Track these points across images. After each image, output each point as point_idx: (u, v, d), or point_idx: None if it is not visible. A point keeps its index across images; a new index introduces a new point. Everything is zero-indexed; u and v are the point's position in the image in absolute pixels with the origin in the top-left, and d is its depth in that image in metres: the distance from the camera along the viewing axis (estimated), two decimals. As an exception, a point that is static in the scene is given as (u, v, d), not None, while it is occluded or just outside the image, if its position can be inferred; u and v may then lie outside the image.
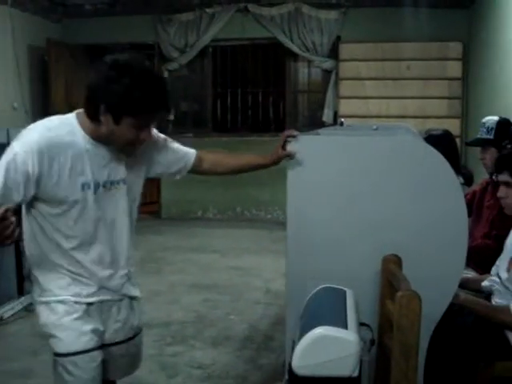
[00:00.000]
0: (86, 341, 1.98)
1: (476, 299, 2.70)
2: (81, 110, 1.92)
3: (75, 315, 1.99)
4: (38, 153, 1.81)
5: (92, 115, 1.87)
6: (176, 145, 2.23)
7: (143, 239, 6.68)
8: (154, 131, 2.11)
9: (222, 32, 8.09)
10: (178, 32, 8.20)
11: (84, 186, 1.91)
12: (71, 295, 1.99)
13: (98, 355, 2.01)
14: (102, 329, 2.05)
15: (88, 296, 2.01)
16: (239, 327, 4.23)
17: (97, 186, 1.94)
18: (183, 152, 2.24)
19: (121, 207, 2.02)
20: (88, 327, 1.99)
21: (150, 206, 8.35)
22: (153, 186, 7.96)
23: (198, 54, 8.32)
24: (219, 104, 8.69)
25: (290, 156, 2.36)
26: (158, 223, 8.00)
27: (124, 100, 1.80)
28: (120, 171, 1.98)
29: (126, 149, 1.95)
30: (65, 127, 1.89)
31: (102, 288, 2.04)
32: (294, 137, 2.37)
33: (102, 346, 2.05)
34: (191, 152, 2.26)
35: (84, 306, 2.01)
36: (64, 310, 1.99)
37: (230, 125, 8.69)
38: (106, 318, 2.08)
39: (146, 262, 5.91)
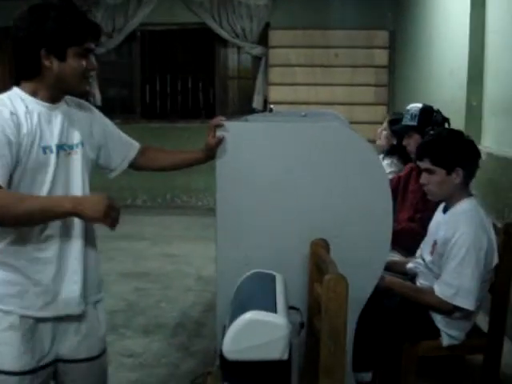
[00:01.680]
0: (26, 361, 1.81)
1: (401, 281, 2.79)
2: (15, 87, 1.85)
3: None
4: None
5: (32, 71, 1.81)
6: (122, 133, 2.19)
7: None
8: (102, 116, 2.08)
9: (151, 16, 7.94)
10: (105, 16, 8.00)
11: (46, 150, 1.82)
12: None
13: (33, 378, 1.85)
14: (48, 347, 1.88)
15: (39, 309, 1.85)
16: (170, 315, 4.21)
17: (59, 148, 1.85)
18: (128, 141, 2.19)
19: (78, 174, 1.93)
20: (30, 345, 1.82)
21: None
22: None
23: (125, 39, 8.15)
24: (148, 90, 8.56)
25: (220, 142, 2.35)
26: (86, 211, 7.81)
27: (61, 32, 1.76)
28: (77, 134, 1.91)
29: (80, 87, 1.89)
30: (15, 99, 1.81)
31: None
32: (221, 125, 2.36)
33: (46, 367, 1.89)
34: (135, 144, 2.21)
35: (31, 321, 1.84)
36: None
37: (159, 111, 8.57)
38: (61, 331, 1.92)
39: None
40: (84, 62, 1.85)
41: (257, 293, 2.06)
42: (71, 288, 1.89)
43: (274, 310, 1.89)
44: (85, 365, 1.99)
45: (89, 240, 1.97)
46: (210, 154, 2.35)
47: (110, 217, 1.72)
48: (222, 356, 1.89)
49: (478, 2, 4.49)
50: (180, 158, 2.37)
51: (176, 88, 8.57)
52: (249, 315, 1.85)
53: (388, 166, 3.95)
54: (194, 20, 7.93)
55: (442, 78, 5.36)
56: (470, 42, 4.55)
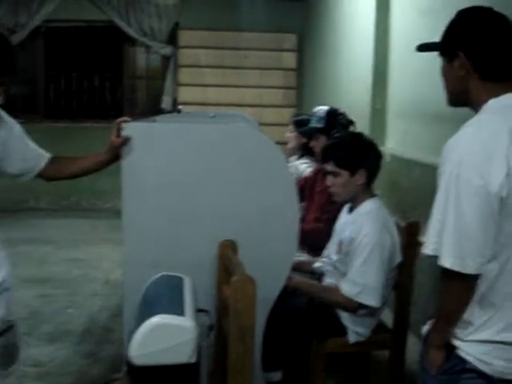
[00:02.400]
0: None
1: (308, 281, 2.83)
2: None
3: None
4: None
5: None
6: (31, 142, 2.13)
7: (-31, 232, 6.22)
8: (10, 119, 2.00)
9: (57, 13, 7.68)
10: (7, 11, 7.68)
11: None
12: None
13: None
14: None
15: None
16: (77, 321, 4.09)
17: None
18: (36, 152, 2.14)
19: None
20: None
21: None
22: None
23: (29, 35, 7.85)
24: (52, 88, 8.29)
25: (126, 141, 2.30)
26: (-16, 215, 7.49)
27: None
28: None
29: None
30: None
31: None
32: (125, 121, 2.31)
33: None
34: (45, 155, 2.17)
35: None
36: None
37: (64, 110, 8.32)
38: None
39: (-27, 256, 5.51)
40: None
41: (164, 296, 2.04)
42: None
43: (181, 313, 1.88)
44: None
45: None
46: (115, 154, 2.31)
47: None
48: (129, 362, 1.86)
49: (383, 6, 4.64)
50: (87, 162, 2.34)
51: (82, 87, 8.35)
52: (155, 319, 1.82)
53: (308, 165, 4.00)
54: (101, 18, 7.75)
55: (348, 80, 5.50)
56: (374, 47, 4.69)
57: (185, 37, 7.65)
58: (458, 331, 1.66)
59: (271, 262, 2.38)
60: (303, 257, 3.17)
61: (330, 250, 2.84)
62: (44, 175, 2.18)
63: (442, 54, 1.74)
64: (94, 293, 4.65)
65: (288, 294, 2.63)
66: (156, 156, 2.36)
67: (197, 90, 7.65)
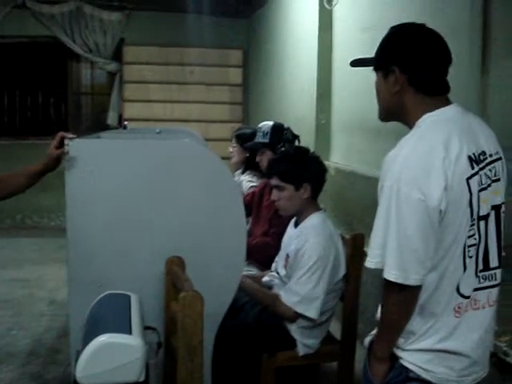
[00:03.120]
0: None
1: (255, 285, 2.81)
2: None
3: None
4: None
5: None
6: None
7: None
8: None
9: (-1, 28, 7.55)
10: None
11: None
12: None
13: None
14: None
15: None
16: (22, 342, 3.98)
17: None
18: None
19: None
20: None
21: None
22: None
23: (-30, 51, 7.68)
24: (-5, 105, 8.11)
25: (64, 155, 2.26)
26: None
27: None
28: None
29: None
30: None
31: None
32: (70, 138, 2.28)
33: None
34: None
35: None
36: None
37: (7, 127, 8.14)
38: None
39: None
40: None
41: (110, 315, 2.01)
42: None
43: (128, 331, 1.85)
44: None
45: None
46: (50, 164, 2.28)
47: None
48: (75, 382, 1.82)
49: (325, 22, 4.74)
50: (22, 178, 2.30)
51: (26, 103, 8.19)
52: (102, 338, 1.79)
53: (249, 180, 4.01)
54: (45, 33, 7.63)
55: (293, 96, 5.57)
56: (318, 62, 4.78)
57: (130, 53, 7.61)
58: (401, 341, 1.68)
59: (219, 278, 2.38)
60: (253, 271, 3.18)
61: (278, 265, 2.87)
62: None
63: (376, 69, 1.77)
64: (40, 313, 4.54)
65: (237, 308, 2.63)
66: (101, 173, 2.33)
67: (143, 105, 7.60)
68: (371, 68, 1.80)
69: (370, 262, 1.64)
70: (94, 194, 2.34)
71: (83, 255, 2.34)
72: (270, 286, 2.90)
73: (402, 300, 1.64)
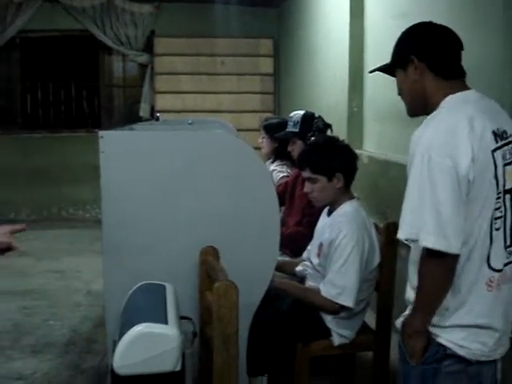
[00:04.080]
0: None
1: (291, 282, 2.84)
2: None
3: None
4: None
5: None
6: None
7: None
8: None
9: (31, 23, 7.64)
10: (-19, 23, 7.62)
11: None
12: None
13: None
14: None
15: None
16: (60, 332, 4.06)
17: None
18: None
19: None
20: None
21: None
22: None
23: (4, 46, 7.79)
24: (29, 99, 8.23)
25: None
26: (-36, 229, 7.39)
27: None
28: None
29: None
30: None
31: None
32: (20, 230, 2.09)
33: None
34: None
35: None
36: None
37: (42, 120, 8.27)
38: None
39: (-47, 271, 5.45)
40: None
41: (146, 305, 2.03)
42: None
43: (164, 321, 1.87)
44: None
45: None
46: None
47: None
48: (113, 372, 1.84)
49: (358, 11, 4.68)
50: None
51: (59, 97, 8.30)
52: (138, 328, 1.81)
53: (279, 170, 4.01)
54: (76, 27, 7.71)
55: (325, 84, 5.53)
56: (350, 50, 4.73)
57: (161, 44, 7.64)
58: (436, 319, 1.71)
59: (253, 267, 2.38)
60: (286, 259, 3.18)
61: (311, 254, 2.85)
62: None
63: (396, 67, 1.88)
64: (76, 304, 4.62)
65: (271, 298, 2.63)
66: (135, 165, 2.35)
67: (174, 97, 7.64)
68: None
69: (402, 232, 1.65)
70: (129, 186, 2.36)
71: (118, 246, 2.36)
72: (303, 276, 2.90)
73: (440, 271, 1.65)
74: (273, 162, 4.12)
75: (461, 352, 1.70)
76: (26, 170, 7.51)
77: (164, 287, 2.15)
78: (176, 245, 2.38)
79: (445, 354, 1.70)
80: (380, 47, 4.25)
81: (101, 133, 2.30)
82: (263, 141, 4.22)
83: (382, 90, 4.30)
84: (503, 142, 1.68)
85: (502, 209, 1.67)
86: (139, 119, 7.39)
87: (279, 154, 4.04)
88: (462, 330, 1.70)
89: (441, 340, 1.71)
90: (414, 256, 1.76)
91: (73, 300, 4.70)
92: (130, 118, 7.69)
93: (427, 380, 1.74)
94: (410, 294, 1.78)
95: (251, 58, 7.70)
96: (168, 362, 1.83)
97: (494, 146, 1.65)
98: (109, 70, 8.22)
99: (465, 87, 1.78)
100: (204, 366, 2.34)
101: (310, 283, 2.82)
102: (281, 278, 2.85)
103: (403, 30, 1.93)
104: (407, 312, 1.80)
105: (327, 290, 2.62)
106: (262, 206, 2.40)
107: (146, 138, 2.44)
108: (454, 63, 1.80)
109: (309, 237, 2.99)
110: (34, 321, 4.26)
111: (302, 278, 2.91)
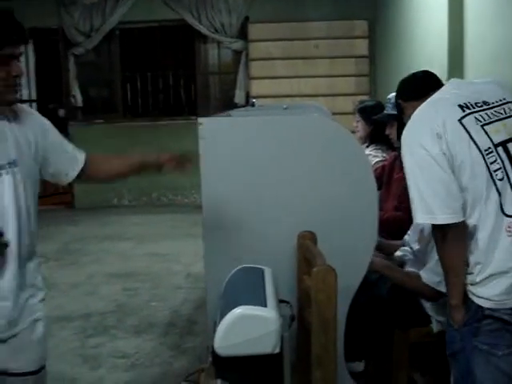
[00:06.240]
0: None
1: (390, 265, 2.79)
2: None
3: None
4: None
5: None
6: (67, 143, 2.02)
7: (57, 231, 6.49)
8: (46, 125, 1.95)
9: (129, 14, 7.91)
10: (82, 15, 7.95)
11: None
12: None
13: None
14: None
15: None
16: (161, 314, 4.21)
17: None
18: (73, 153, 2.01)
19: (9, 196, 1.79)
20: None
21: (63, 196, 8.12)
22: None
23: (104, 38, 8.11)
24: (129, 88, 8.52)
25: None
26: (72, 213, 7.79)
27: None
28: (8, 152, 1.78)
29: (6, 97, 1.76)
30: None
31: None
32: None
33: None
34: (81, 156, 2.02)
35: None
36: None
37: (141, 109, 8.54)
38: None
39: (62, 254, 5.75)
40: (8, 69, 1.73)
41: (246, 287, 2.06)
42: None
43: (263, 304, 1.89)
44: (17, 379, 1.91)
45: (24, 260, 1.87)
46: (153, 168, 2.19)
47: None
48: (213, 352, 1.89)
49: (455, -13, 4.51)
50: (123, 168, 2.15)
51: (157, 85, 8.53)
52: (239, 310, 1.84)
53: (374, 155, 3.94)
54: (172, 17, 7.90)
55: (422, 66, 5.35)
56: (449, 30, 4.57)
57: (255, 30, 7.69)
58: (469, 278, 1.86)
59: (351, 252, 2.36)
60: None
61: (411, 239, 2.79)
62: (81, 177, 2.03)
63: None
64: (177, 286, 4.77)
65: (370, 282, 2.60)
66: (234, 150, 2.38)
67: (269, 82, 7.67)
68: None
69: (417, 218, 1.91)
70: (228, 171, 2.39)
71: (218, 231, 2.41)
72: (402, 262, 2.84)
73: (447, 239, 1.85)
74: (368, 147, 4.06)
75: (496, 306, 1.80)
76: (128, 158, 7.80)
77: (263, 271, 2.17)
78: (274, 229, 2.40)
79: (483, 314, 1.82)
80: (481, 27, 4.07)
81: (200, 120, 2.35)
82: (358, 124, 4.15)
83: (484, 70, 4.13)
84: (473, 110, 1.89)
85: (499, 160, 1.83)
86: (234, 105, 7.48)
87: (374, 137, 3.97)
88: (495, 282, 1.81)
89: (478, 301, 1.83)
90: None
91: (173, 282, 4.86)
92: (225, 104, 7.79)
93: (470, 339, 1.86)
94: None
95: (346, 40, 7.60)
96: (267, 344, 1.85)
97: (460, 115, 1.86)
98: (204, 57, 8.37)
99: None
100: (302, 349, 2.35)
101: (409, 269, 2.77)
102: (381, 258, 2.80)
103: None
104: None
105: (428, 278, 2.55)
106: (360, 190, 2.38)
107: (245, 123, 2.47)
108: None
109: (408, 222, 2.93)
110: (137, 302, 4.44)
111: (401, 264, 2.86)
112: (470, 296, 1.87)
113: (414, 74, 2.47)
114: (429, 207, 1.85)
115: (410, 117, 2.14)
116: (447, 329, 1.97)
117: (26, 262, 1.88)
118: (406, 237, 2.90)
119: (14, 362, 1.87)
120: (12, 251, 1.80)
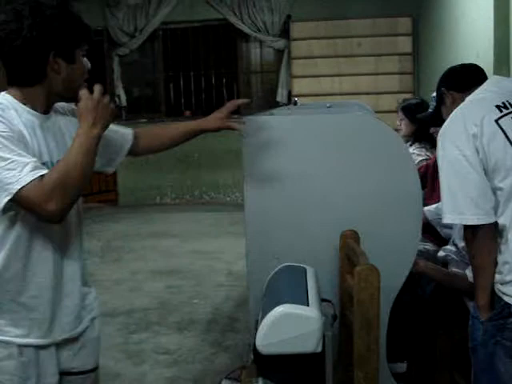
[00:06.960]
0: None
1: (434, 266, 2.75)
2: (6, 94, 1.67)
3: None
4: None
5: (35, 77, 1.64)
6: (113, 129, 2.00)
7: (102, 228, 6.61)
8: None
9: (172, 15, 7.99)
10: (126, 16, 8.07)
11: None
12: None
13: None
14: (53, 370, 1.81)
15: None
16: (203, 311, 4.24)
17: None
18: (120, 132, 2.01)
19: None
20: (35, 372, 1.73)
21: (107, 194, 8.25)
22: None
23: (148, 38, 8.21)
24: (172, 88, 8.61)
25: (237, 130, 2.19)
26: (115, 211, 7.92)
27: (70, 32, 1.66)
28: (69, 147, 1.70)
29: (80, 90, 1.70)
30: (8, 108, 1.62)
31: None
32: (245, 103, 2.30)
33: None
34: (128, 132, 2.03)
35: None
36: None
37: (184, 108, 8.62)
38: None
39: (106, 251, 5.85)
40: (83, 66, 1.73)
41: (288, 286, 2.06)
42: (67, 311, 1.79)
43: (306, 302, 1.89)
44: (78, 378, 1.90)
45: (80, 259, 1.86)
46: (208, 127, 2.14)
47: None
48: (255, 350, 1.89)
49: (503, -17, 4.42)
50: (176, 131, 2.15)
51: (200, 85, 8.59)
52: (281, 309, 1.84)
53: (418, 153, 3.89)
54: (214, 16, 7.95)
55: (467, 62, 5.28)
56: (494, 26, 4.48)
57: (297, 29, 7.67)
58: (497, 277, 1.86)
59: (394, 251, 2.34)
60: (428, 245, 3.09)
61: (456, 236, 2.75)
62: (132, 153, 2.02)
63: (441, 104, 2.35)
64: (219, 284, 4.80)
65: (413, 282, 2.58)
66: (276, 149, 2.38)
67: (311, 81, 7.65)
68: None
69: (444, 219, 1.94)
70: (270, 170, 2.39)
71: (260, 229, 2.41)
72: (445, 262, 2.80)
73: (477, 240, 1.87)
74: (411, 145, 4.01)
75: None
76: (171, 156, 7.87)
77: (305, 270, 2.17)
78: (317, 228, 2.39)
79: (509, 312, 1.81)
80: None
81: (243, 118, 2.36)
82: (401, 123, 4.11)
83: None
84: (511, 109, 1.88)
85: None
86: (276, 104, 7.48)
87: (418, 136, 3.92)
88: None
89: (505, 298, 1.83)
90: None
91: (215, 280, 4.89)
92: (268, 103, 7.80)
93: (494, 334, 1.85)
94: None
95: (389, 37, 7.52)
96: (309, 343, 1.85)
97: (498, 115, 1.86)
98: (246, 56, 8.39)
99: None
100: (344, 349, 2.34)
101: (452, 269, 2.73)
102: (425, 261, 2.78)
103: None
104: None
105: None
106: (403, 188, 2.35)
107: (288, 122, 2.46)
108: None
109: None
110: (180, 299, 4.49)
111: (444, 264, 2.82)
112: (498, 293, 1.87)
113: (464, 66, 2.49)
114: (459, 207, 1.87)
115: (447, 107, 2.25)
116: (471, 321, 1.98)
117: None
118: (450, 231, 2.85)
119: (78, 361, 1.87)
120: (76, 246, 1.80)
